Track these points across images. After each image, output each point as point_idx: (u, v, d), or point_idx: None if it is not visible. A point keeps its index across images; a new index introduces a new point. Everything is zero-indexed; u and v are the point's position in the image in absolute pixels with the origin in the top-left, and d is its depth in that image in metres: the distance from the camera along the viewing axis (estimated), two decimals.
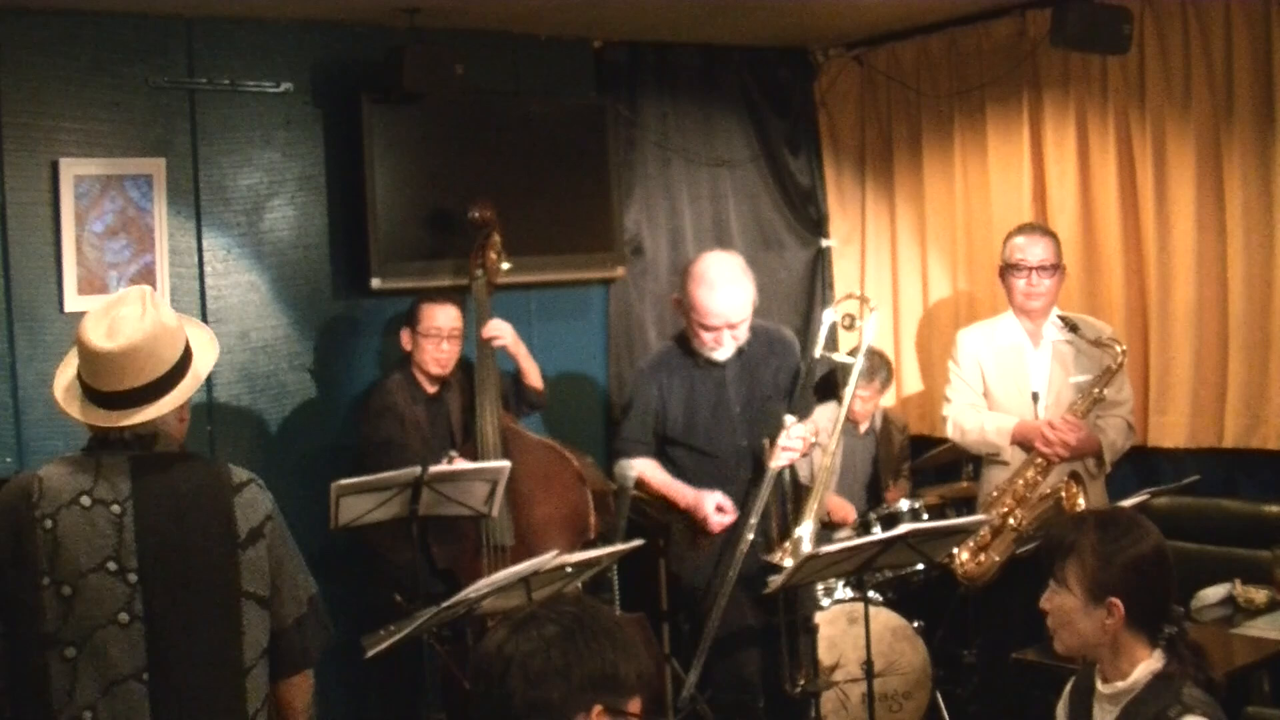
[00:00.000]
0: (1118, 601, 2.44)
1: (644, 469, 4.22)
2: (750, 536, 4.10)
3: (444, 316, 4.62)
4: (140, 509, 2.58)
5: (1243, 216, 4.86)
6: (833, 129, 6.26)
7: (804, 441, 4.13)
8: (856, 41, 6.05)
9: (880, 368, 5.46)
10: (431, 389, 4.69)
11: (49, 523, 2.52)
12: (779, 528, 4.20)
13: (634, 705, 2.00)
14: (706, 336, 4.14)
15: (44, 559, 2.51)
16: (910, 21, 5.69)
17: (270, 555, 2.71)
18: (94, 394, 2.60)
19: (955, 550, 4.29)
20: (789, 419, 4.10)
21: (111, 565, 2.54)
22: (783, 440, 4.08)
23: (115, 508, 2.56)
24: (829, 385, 5.13)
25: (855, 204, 6.27)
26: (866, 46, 6.05)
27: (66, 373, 2.69)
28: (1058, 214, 5.35)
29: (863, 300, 4.43)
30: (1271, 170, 4.79)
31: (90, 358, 2.58)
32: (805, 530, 4.05)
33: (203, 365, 2.71)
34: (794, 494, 4.26)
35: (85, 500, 2.55)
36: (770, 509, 4.18)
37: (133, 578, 2.55)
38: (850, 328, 4.41)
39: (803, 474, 4.83)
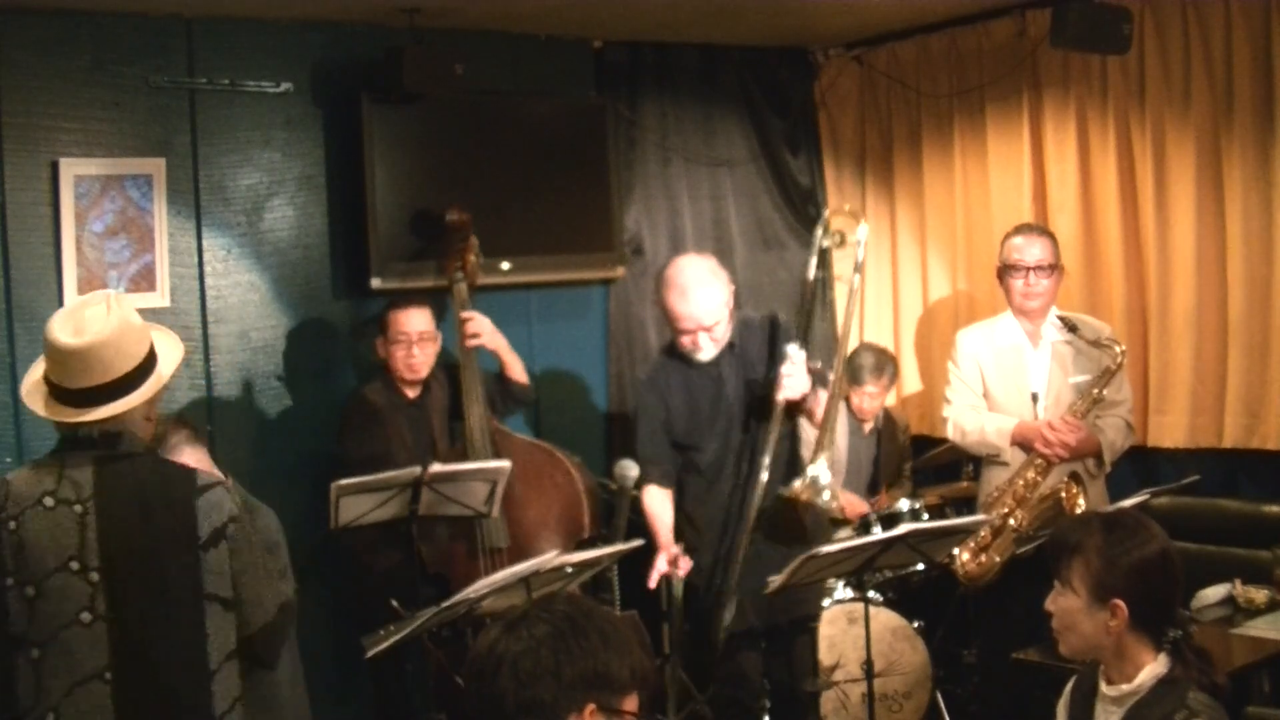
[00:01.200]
0: (1121, 603, 2.44)
1: (650, 500, 4.24)
2: (765, 476, 4.09)
3: (411, 321, 4.57)
4: (102, 508, 2.59)
5: (1243, 216, 4.86)
6: (833, 129, 6.26)
7: (808, 369, 4.09)
8: (856, 41, 6.05)
9: (887, 364, 5.48)
10: (411, 393, 4.66)
11: (13, 524, 2.54)
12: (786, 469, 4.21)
13: (629, 703, 1.99)
14: (684, 339, 4.18)
15: (9, 560, 2.53)
16: (910, 21, 5.69)
17: (234, 559, 2.70)
18: (60, 392, 2.62)
19: (956, 551, 4.29)
20: (791, 348, 4.08)
21: (74, 564, 2.56)
22: (785, 369, 4.05)
23: (78, 507, 2.58)
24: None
25: (855, 204, 6.26)
26: (866, 46, 6.05)
27: (34, 374, 2.72)
28: (1058, 214, 5.35)
29: (850, 215, 4.34)
30: (1271, 170, 4.80)
31: (57, 355, 2.61)
32: (820, 468, 4.02)
33: (166, 366, 2.72)
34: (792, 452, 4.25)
35: (49, 501, 2.57)
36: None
37: (94, 576, 2.57)
38: (842, 245, 4.35)
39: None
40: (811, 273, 4.22)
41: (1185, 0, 4.94)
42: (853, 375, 5.38)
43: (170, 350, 2.77)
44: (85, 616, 2.55)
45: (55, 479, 2.59)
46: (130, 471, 2.65)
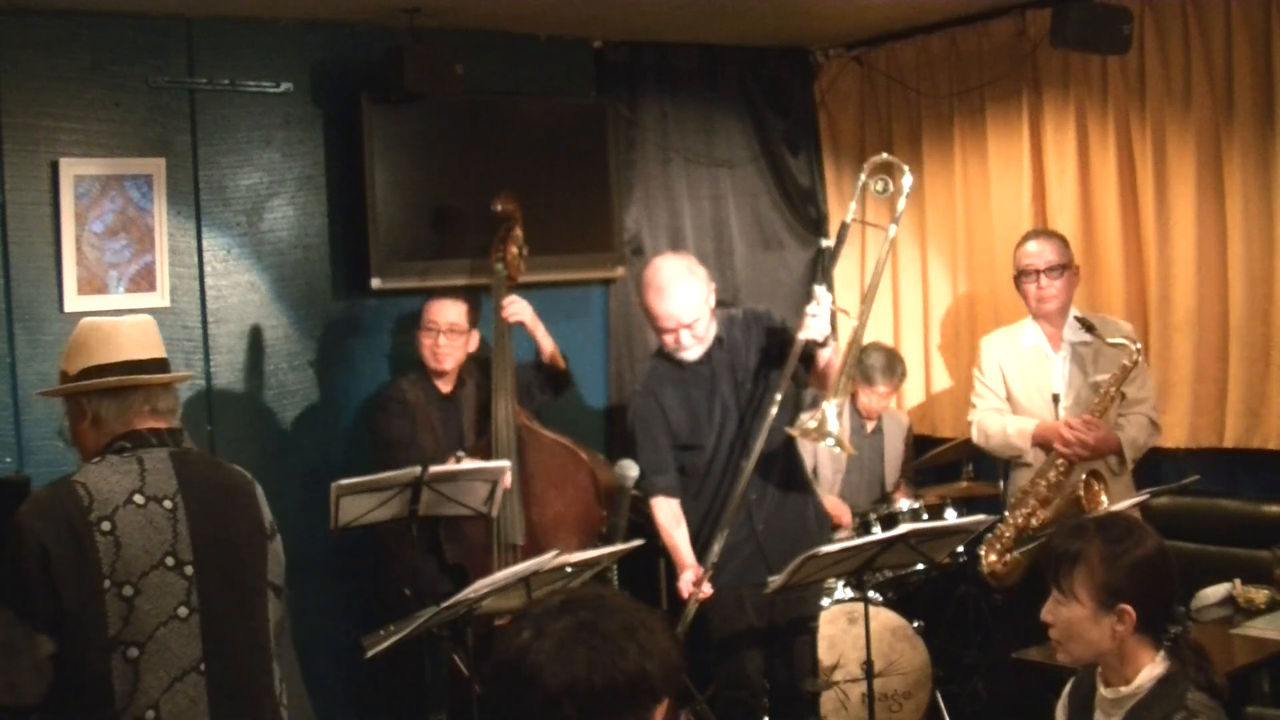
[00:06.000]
0: (1129, 608, 2.43)
1: (662, 516, 4.22)
2: (774, 411, 4.08)
3: (439, 311, 4.60)
4: (189, 503, 2.63)
5: (1243, 216, 4.86)
6: (833, 129, 6.26)
7: (831, 312, 4.07)
8: (856, 41, 6.05)
9: (896, 364, 5.50)
10: (445, 388, 4.67)
11: (106, 525, 2.53)
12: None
13: (660, 710, 1.86)
14: (667, 338, 4.19)
15: (105, 563, 2.51)
16: (910, 21, 5.69)
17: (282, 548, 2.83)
18: (122, 367, 2.65)
19: (982, 552, 4.33)
20: (818, 289, 4.07)
21: (169, 560, 2.58)
22: (810, 309, 4.04)
23: (167, 503, 2.60)
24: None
25: (857, 207, 6.25)
26: (866, 46, 6.05)
27: (50, 386, 2.80)
28: (1058, 214, 5.35)
29: (894, 164, 4.31)
30: (1271, 170, 4.80)
31: (115, 332, 2.67)
32: (831, 409, 3.99)
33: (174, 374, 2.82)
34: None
35: (139, 499, 2.58)
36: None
37: (189, 570, 2.60)
38: (886, 191, 4.34)
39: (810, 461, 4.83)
40: (850, 215, 4.22)
41: (1185, 0, 4.94)
42: (864, 375, 5.39)
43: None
44: (182, 611, 2.58)
45: (138, 477, 2.60)
46: (203, 468, 2.72)
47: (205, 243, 4.76)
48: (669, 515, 4.22)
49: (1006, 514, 4.40)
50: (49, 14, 4.41)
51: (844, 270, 6.29)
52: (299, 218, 4.95)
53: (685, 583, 4.11)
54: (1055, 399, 4.47)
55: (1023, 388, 4.58)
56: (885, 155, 4.38)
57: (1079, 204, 5.30)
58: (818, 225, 6.29)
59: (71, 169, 4.44)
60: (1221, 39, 4.87)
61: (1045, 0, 5.14)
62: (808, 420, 4.04)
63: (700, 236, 5.88)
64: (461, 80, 4.87)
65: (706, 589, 4.08)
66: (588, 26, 5.42)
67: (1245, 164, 4.84)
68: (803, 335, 4.04)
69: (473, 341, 4.71)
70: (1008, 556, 4.33)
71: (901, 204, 4.28)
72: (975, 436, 4.67)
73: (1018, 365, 4.60)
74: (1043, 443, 4.43)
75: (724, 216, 6.01)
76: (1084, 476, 4.20)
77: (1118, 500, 4.26)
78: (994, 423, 4.57)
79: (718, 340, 4.23)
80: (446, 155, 5.13)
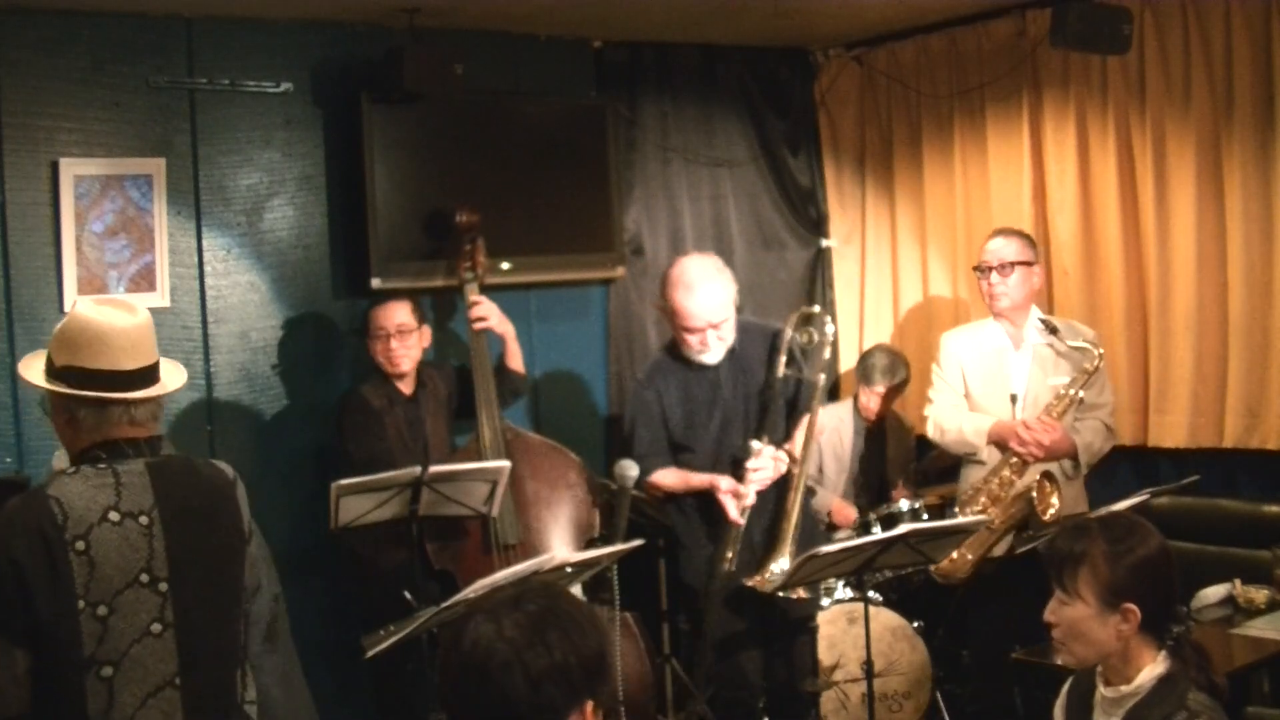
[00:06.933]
0: (1133, 607, 2.42)
1: (663, 478, 4.25)
2: (730, 568, 4.14)
3: (386, 315, 4.60)
4: (166, 517, 2.55)
5: (1243, 216, 4.87)
6: (833, 129, 6.26)
7: (775, 463, 4.13)
8: (856, 41, 6.05)
9: (899, 366, 5.50)
10: (406, 390, 4.67)
11: (81, 544, 2.45)
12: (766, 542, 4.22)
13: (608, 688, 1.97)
14: (692, 339, 4.17)
15: (80, 583, 2.44)
16: (910, 21, 5.69)
17: (260, 547, 2.77)
18: (105, 376, 2.55)
19: None
20: (754, 444, 4.12)
21: (144, 577, 2.52)
22: (750, 463, 4.10)
23: (143, 519, 2.53)
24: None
25: (855, 204, 6.27)
26: (866, 46, 6.05)
27: (36, 365, 2.64)
28: (1058, 214, 5.35)
29: (816, 316, 4.43)
30: (1271, 170, 4.80)
31: (109, 337, 2.55)
32: (780, 566, 4.07)
33: (169, 379, 2.70)
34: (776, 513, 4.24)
35: (114, 516, 2.50)
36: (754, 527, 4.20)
37: (163, 586, 2.53)
38: (810, 343, 4.41)
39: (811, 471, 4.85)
40: (781, 370, 4.25)
41: (1185, 0, 4.94)
42: (864, 375, 5.42)
43: (172, 372, 2.77)
44: (156, 627, 2.52)
45: (114, 493, 2.52)
46: (181, 476, 2.63)
47: (205, 243, 4.76)
48: (669, 473, 4.24)
49: (957, 510, 4.41)
50: (49, 14, 4.41)
51: (843, 270, 6.30)
52: (299, 218, 4.95)
53: (724, 494, 4.11)
54: (1014, 399, 4.48)
55: (982, 386, 4.59)
56: (813, 307, 4.60)
57: (1079, 204, 5.30)
58: (818, 225, 6.30)
59: (71, 169, 4.44)
60: (1221, 39, 4.88)
61: (1045, 0, 5.14)
62: (759, 576, 4.09)
63: (700, 236, 5.88)
64: (461, 80, 4.88)
65: (749, 499, 4.12)
66: (588, 26, 5.42)
67: (1245, 164, 4.85)
68: (743, 506, 4.11)
69: (426, 337, 4.72)
70: (954, 554, 4.33)
71: (826, 354, 4.38)
72: (931, 431, 4.70)
73: (977, 363, 4.61)
74: (998, 441, 4.44)
75: (724, 216, 6.01)
76: (1037, 478, 4.21)
77: (1069, 503, 4.28)
78: (950, 419, 4.59)
79: (729, 349, 4.23)
80: (446, 155, 5.13)
